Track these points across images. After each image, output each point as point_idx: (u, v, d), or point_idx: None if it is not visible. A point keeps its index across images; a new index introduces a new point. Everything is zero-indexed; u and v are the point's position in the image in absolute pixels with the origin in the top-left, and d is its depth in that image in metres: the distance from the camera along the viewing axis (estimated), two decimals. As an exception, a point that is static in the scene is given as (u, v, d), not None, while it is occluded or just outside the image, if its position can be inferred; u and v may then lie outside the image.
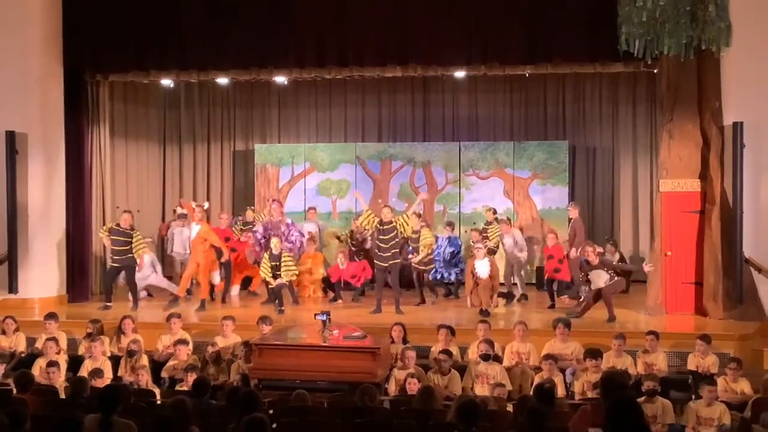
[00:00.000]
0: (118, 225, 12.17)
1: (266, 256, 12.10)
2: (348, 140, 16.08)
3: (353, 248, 13.82)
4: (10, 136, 12.19)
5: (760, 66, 11.12)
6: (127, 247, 12.06)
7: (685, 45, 10.87)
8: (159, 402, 7.92)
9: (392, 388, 9.09)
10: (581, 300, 11.78)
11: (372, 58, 12.42)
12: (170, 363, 9.78)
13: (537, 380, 8.83)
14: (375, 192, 15.20)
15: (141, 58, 12.85)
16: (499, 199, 14.83)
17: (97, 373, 8.97)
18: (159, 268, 13.52)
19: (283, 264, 11.91)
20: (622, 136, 15.55)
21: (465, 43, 12.13)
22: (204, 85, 15.75)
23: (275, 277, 11.95)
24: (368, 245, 13.45)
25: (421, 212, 13.84)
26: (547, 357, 9.25)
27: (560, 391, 8.78)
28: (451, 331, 9.94)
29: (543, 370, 9.12)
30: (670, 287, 11.65)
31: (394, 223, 11.77)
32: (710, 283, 11.37)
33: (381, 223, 11.81)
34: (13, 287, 12.19)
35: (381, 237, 11.80)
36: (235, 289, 13.57)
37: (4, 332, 10.55)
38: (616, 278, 11.16)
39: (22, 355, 10.23)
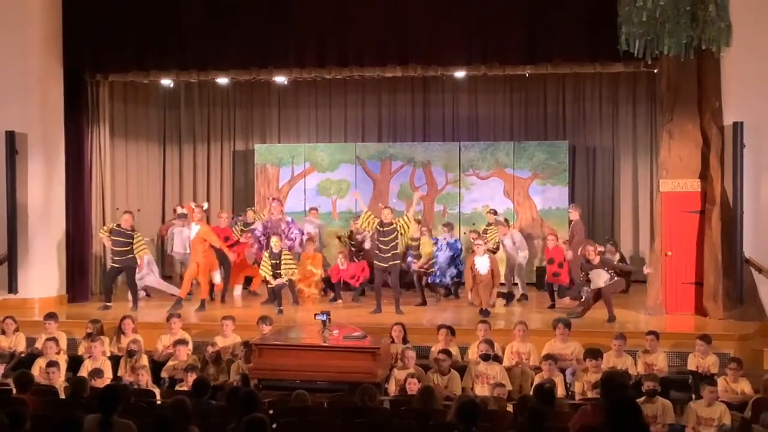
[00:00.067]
0: (119, 226, 12.17)
1: (266, 255, 12.10)
2: (348, 140, 16.08)
3: (353, 248, 13.82)
4: (10, 136, 12.19)
5: (760, 66, 11.12)
6: (128, 248, 12.06)
7: (685, 45, 10.87)
8: (159, 402, 7.91)
9: (392, 388, 9.08)
10: (582, 300, 11.78)
11: (372, 58, 12.42)
12: (170, 363, 9.78)
13: (537, 380, 8.84)
14: (375, 192, 15.20)
15: (141, 58, 12.85)
16: (499, 199, 14.83)
17: (97, 373, 8.97)
18: (156, 268, 13.52)
19: (283, 262, 11.90)
20: (622, 136, 15.55)
21: (465, 43, 12.13)
22: (204, 85, 15.75)
23: (275, 276, 11.95)
24: (367, 245, 13.44)
25: (421, 218, 13.88)
26: (547, 357, 9.24)
27: (560, 391, 8.78)
28: (451, 331, 9.94)
29: (543, 370, 9.12)
30: (670, 287, 11.65)
31: (394, 225, 11.77)
32: (710, 283, 11.36)
33: (381, 224, 11.80)
34: (13, 287, 12.18)
35: (381, 239, 11.80)
36: (238, 289, 13.58)
37: (3, 332, 10.55)
38: (615, 278, 11.17)
39: (22, 355, 10.23)
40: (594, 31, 11.57)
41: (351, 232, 14.08)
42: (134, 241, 12.09)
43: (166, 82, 14.20)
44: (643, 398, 7.92)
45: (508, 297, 12.80)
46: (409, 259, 12.76)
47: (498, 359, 9.52)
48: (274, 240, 12.07)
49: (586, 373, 9.00)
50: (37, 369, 9.32)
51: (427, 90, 15.97)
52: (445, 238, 12.98)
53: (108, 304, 12.16)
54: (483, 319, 10.53)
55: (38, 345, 10.18)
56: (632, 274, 12.88)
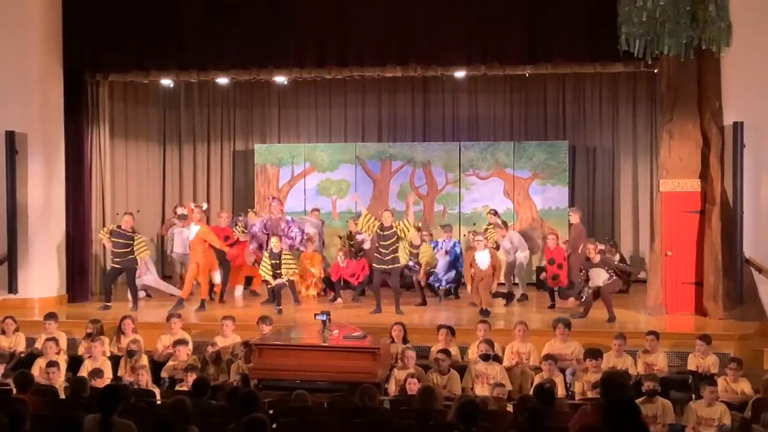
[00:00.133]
0: (119, 227, 12.17)
1: (266, 254, 12.09)
2: (348, 140, 16.07)
3: (351, 248, 13.80)
4: (10, 136, 12.19)
5: (760, 66, 11.11)
6: (128, 249, 12.07)
7: (685, 45, 10.87)
8: (159, 402, 7.91)
9: (392, 388, 9.08)
10: (583, 300, 11.77)
11: (372, 58, 12.42)
12: (170, 363, 9.78)
13: (537, 380, 8.84)
14: (375, 192, 15.20)
15: (141, 58, 12.85)
16: (499, 199, 14.83)
17: (97, 373, 8.97)
18: (153, 268, 13.50)
19: (283, 262, 11.89)
20: (622, 136, 15.54)
21: (465, 43, 12.13)
22: (204, 85, 15.74)
23: (275, 276, 11.94)
24: (366, 246, 13.43)
25: (421, 223, 13.86)
26: (547, 357, 9.24)
27: (560, 391, 8.78)
28: (451, 331, 9.94)
29: (543, 370, 9.11)
30: (670, 287, 11.65)
31: (395, 228, 11.76)
32: (710, 283, 11.36)
33: (381, 228, 11.79)
34: (12, 287, 12.18)
35: (381, 242, 11.79)
36: (239, 290, 13.58)
37: (3, 332, 10.55)
38: (614, 278, 11.18)
39: (22, 355, 10.23)
40: (594, 31, 11.57)
41: (350, 232, 14.08)
42: (135, 243, 12.10)
43: (166, 82, 14.20)
44: (643, 398, 7.92)
45: (508, 297, 12.79)
46: (411, 263, 12.69)
47: (498, 359, 9.52)
48: (274, 240, 12.06)
49: (586, 373, 9.00)
50: (37, 369, 9.31)
51: (427, 90, 15.97)
52: (444, 241, 12.98)
53: (108, 304, 12.16)
54: (483, 319, 10.54)
55: (38, 345, 10.18)
56: (632, 275, 12.86)
